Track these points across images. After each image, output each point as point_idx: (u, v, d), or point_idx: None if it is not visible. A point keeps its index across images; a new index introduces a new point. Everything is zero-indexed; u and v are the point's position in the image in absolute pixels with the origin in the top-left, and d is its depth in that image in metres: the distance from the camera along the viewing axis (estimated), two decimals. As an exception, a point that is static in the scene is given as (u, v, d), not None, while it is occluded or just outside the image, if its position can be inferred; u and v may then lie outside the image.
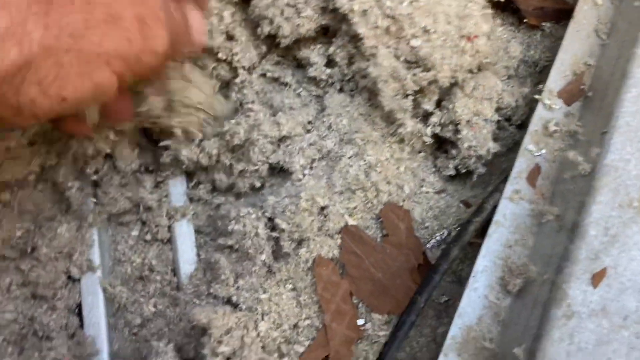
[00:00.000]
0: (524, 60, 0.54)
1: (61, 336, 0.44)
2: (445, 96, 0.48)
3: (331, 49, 0.48)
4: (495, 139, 0.48)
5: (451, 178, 0.50)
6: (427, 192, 0.48)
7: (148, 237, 0.51)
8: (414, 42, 0.44)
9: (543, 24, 0.54)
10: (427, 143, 0.47)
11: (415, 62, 0.45)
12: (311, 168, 0.47)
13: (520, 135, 0.51)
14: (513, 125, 0.51)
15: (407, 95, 0.45)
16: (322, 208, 0.44)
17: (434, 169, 0.49)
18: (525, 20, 0.54)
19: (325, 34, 0.50)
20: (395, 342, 0.37)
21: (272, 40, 0.50)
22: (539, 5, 0.54)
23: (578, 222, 0.38)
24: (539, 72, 0.54)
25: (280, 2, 0.46)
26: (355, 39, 0.46)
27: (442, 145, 0.50)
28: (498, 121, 0.48)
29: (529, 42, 0.54)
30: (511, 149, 0.51)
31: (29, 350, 0.46)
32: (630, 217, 0.37)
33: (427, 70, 0.45)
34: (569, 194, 0.41)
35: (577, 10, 0.48)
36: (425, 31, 0.44)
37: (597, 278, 0.36)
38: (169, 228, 0.50)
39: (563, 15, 0.52)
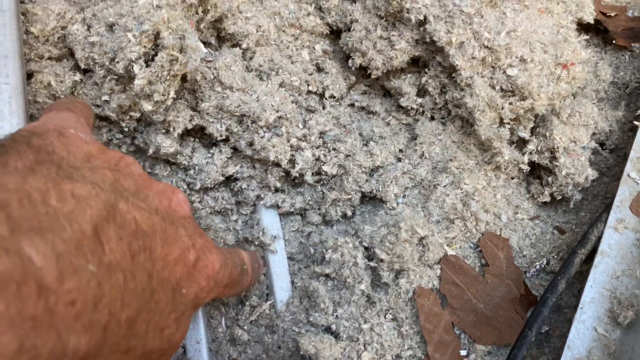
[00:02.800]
0: (614, 82, 0.53)
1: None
2: (539, 123, 0.47)
3: (423, 79, 0.48)
4: (590, 164, 0.48)
5: (544, 204, 0.50)
6: (522, 219, 0.48)
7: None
8: (511, 72, 0.44)
9: (633, 44, 0.53)
10: (524, 170, 0.47)
11: (511, 91, 0.45)
12: (404, 196, 0.48)
13: (614, 160, 0.51)
14: (607, 150, 0.50)
15: (503, 124, 0.45)
16: (422, 238, 0.44)
17: (527, 195, 0.49)
18: (613, 42, 0.53)
19: (414, 63, 0.50)
20: (508, 377, 0.37)
21: (361, 71, 0.51)
22: (629, 26, 0.53)
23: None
24: (628, 94, 0.53)
25: (374, 35, 0.47)
26: (450, 69, 0.46)
27: (533, 170, 0.50)
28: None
29: (617, 64, 0.54)
30: (604, 173, 0.50)
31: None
32: None
33: (524, 98, 0.45)
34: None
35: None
36: (522, 60, 0.44)
37: None
38: (262, 258, 0.51)
39: (655, 36, 0.51)
